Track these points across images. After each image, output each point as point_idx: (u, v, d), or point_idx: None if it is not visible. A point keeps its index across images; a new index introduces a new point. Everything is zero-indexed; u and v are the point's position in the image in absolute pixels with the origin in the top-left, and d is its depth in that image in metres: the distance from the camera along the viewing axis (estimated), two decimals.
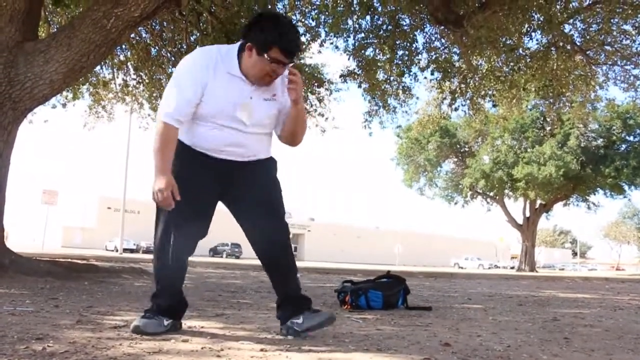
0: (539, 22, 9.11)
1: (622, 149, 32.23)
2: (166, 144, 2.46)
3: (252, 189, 2.66)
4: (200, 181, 2.57)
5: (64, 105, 11.72)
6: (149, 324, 2.48)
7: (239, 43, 2.59)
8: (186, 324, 2.84)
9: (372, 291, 4.03)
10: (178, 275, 2.72)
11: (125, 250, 34.70)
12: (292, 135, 2.73)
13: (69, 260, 9.39)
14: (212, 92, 2.49)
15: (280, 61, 2.44)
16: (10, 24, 5.94)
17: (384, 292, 4.07)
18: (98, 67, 10.46)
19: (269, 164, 2.76)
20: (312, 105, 12.10)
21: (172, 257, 2.59)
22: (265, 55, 2.42)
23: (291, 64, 2.54)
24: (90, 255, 14.38)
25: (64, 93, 10.88)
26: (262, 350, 2.19)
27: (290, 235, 2.82)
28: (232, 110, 2.50)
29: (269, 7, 9.57)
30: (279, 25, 2.47)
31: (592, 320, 3.85)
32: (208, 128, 2.53)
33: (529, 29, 9.53)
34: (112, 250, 37.90)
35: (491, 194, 36.43)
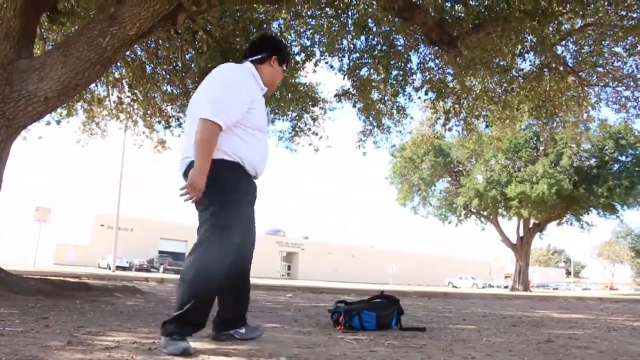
0: (532, 44, 9.20)
1: (615, 168, 32.42)
2: (211, 141, 2.61)
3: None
4: (250, 204, 2.93)
5: (58, 122, 11.71)
6: (186, 347, 2.53)
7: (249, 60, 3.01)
8: None
9: (365, 312, 4.00)
10: (218, 292, 2.82)
11: (118, 267, 34.42)
12: None
13: (61, 278, 9.31)
14: (258, 102, 2.85)
15: (285, 71, 3.08)
16: (5, 41, 5.96)
17: (377, 312, 4.05)
18: (93, 84, 10.47)
19: None
20: (306, 124, 12.14)
21: (222, 273, 2.72)
22: (284, 67, 3.06)
23: None
24: (83, 273, 14.27)
25: (59, 110, 10.87)
26: None
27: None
28: (266, 120, 2.94)
29: (265, 26, 9.65)
30: (285, 44, 3.24)
31: (586, 341, 3.84)
32: (260, 139, 2.85)
33: (522, 50, 9.62)
34: (105, 268, 37.62)
35: (485, 213, 36.49)
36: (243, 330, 3.01)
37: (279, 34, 10.16)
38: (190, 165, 2.66)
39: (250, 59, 2.98)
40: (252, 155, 2.78)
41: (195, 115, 2.70)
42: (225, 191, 2.68)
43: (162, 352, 2.52)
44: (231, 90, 2.73)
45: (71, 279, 9.62)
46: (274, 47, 3.04)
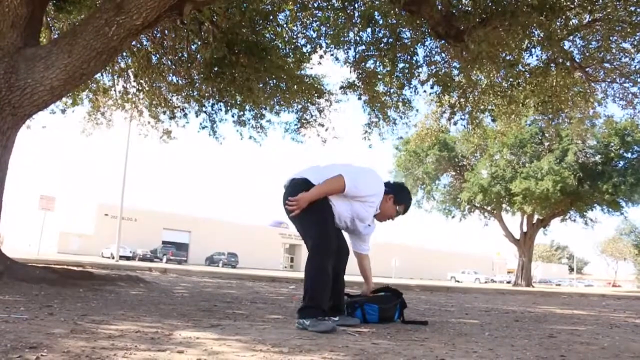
0: (539, 39, 9.15)
1: (620, 165, 32.28)
2: (332, 190, 3.61)
3: None
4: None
5: (63, 111, 11.72)
6: (325, 324, 3.28)
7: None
8: (181, 334, 2.82)
9: (368, 304, 4.00)
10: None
11: (121, 257, 34.56)
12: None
13: (65, 267, 9.35)
14: (371, 211, 3.86)
15: (398, 213, 4.03)
16: (12, 30, 5.96)
17: (380, 305, 4.04)
18: (98, 74, 10.47)
19: None
20: (312, 116, 12.12)
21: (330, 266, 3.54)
22: (397, 207, 3.98)
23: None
24: (86, 262, 14.34)
25: (64, 99, 10.88)
26: None
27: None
28: (366, 222, 3.95)
29: (271, 17, 9.62)
30: (406, 195, 4.09)
31: (588, 337, 3.83)
32: (345, 211, 3.80)
33: (529, 45, 9.57)
34: (108, 257, 37.77)
35: (489, 208, 36.43)
36: (337, 318, 3.59)
37: (285, 25, 10.14)
38: (294, 181, 3.68)
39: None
40: (338, 213, 3.75)
41: (331, 169, 3.69)
42: (322, 210, 3.61)
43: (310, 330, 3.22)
44: (366, 182, 3.72)
45: (75, 268, 9.67)
46: (395, 190, 3.97)
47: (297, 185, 3.65)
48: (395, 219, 4.10)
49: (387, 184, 3.98)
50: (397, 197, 3.97)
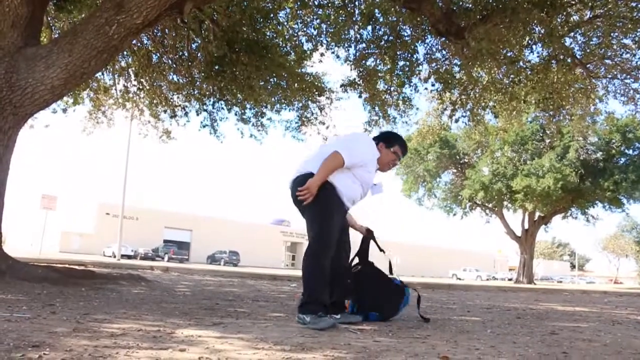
0: (540, 35, 9.14)
1: (621, 162, 32.26)
2: (333, 167, 3.64)
3: None
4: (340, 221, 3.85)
5: (64, 110, 11.72)
6: (325, 321, 3.31)
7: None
8: (183, 332, 2.83)
9: (371, 313, 4.00)
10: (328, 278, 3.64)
11: (123, 256, 34.58)
12: None
13: (67, 266, 9.36)
14: (371, 167, 3.90)
15: (397, 155, 4.08)
16: (12, 29, 5.96)
17: (384, 314, 4.03)
18: (99, 73, 10.47)
19: None
20: (312, 114, 12.11)
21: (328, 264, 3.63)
22: (392, 149, 4.04)
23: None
24: (88, 261, 14.34)
25: (65, 98, 10.88)
26: None
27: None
28: (369, 182, 3.93)
29: (272, 15, 9.62)
30: (393, 135, 4.22)
31: (590, 334, 3.83)
32: (358, 187, 3.84)
33: (529, 41, 9.55)
34: (110, 256, 37.78)
35: (490, 205, 36.42)
36: (338, 316, 3.62)
37: (285, 23, 10.14)
38: (299, 178, 3.71)
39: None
40: (349, 193, 3.78)
41: (323, 152, 3.72)
42: (328, 206, 3.65)
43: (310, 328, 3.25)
44: (359, 147, 3.80)
45: (77, 267, 9.68)
46: (381, 136, 4.15)
47: (304, 181, 3.68)
48: (398, 163, 4.19)
49: (374, 138, 4.09)
50: (386, 142, 4.05)
